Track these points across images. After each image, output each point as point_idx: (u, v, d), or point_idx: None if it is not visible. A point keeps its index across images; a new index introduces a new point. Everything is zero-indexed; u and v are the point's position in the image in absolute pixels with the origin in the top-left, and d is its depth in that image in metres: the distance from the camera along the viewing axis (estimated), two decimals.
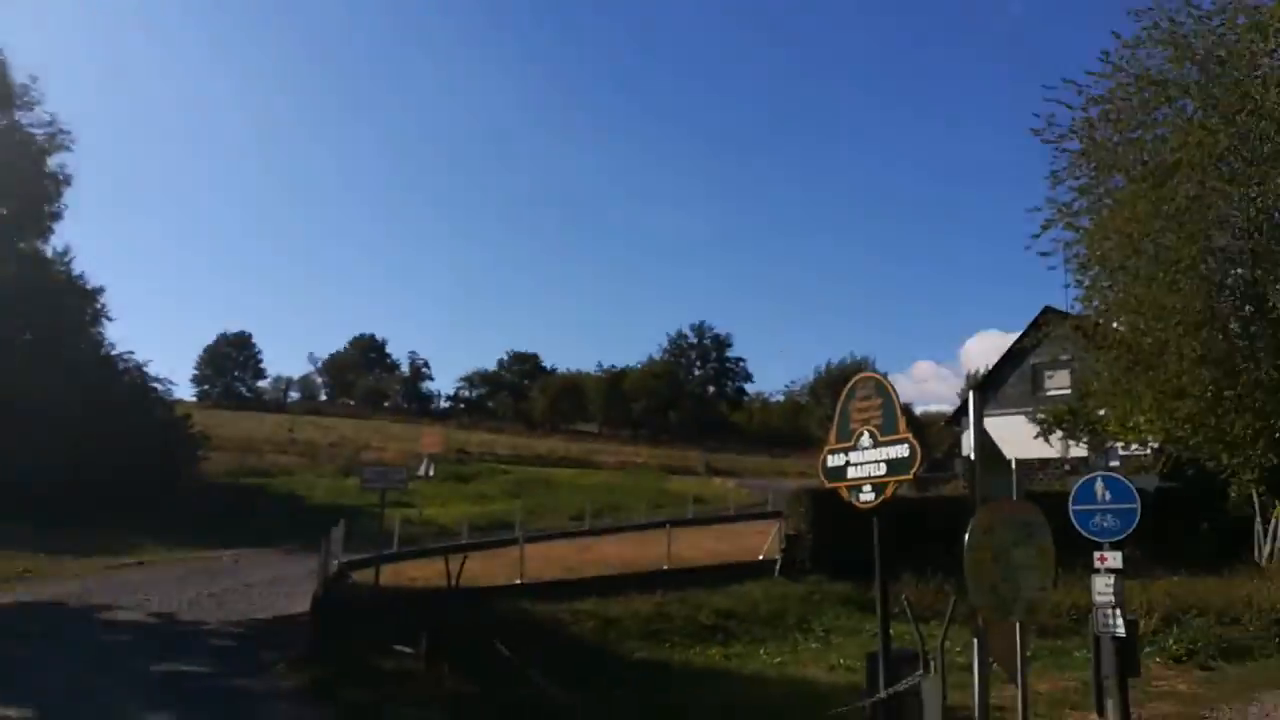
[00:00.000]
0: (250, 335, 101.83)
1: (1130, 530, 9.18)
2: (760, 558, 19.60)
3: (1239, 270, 24.80)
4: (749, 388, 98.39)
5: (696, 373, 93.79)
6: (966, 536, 8.47)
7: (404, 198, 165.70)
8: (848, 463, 7.44)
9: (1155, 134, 25.66)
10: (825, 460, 7.70)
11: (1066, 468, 43.85)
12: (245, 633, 15.05)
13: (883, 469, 7.10)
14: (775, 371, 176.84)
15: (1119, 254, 26.16)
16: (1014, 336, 43.59)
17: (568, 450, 63.81)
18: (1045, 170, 28.83)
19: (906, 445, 6.94)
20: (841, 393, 7.60)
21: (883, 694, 6.92)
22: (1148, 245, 25.70)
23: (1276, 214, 24.07)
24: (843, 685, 11.34)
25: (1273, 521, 25.66)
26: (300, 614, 15.38)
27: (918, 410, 57.31)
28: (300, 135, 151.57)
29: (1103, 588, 9.23)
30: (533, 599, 15.40)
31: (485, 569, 18.22)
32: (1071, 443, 40.21)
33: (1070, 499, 9.76)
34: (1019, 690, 9.21)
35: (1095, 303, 28.19)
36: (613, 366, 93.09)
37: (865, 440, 7.28)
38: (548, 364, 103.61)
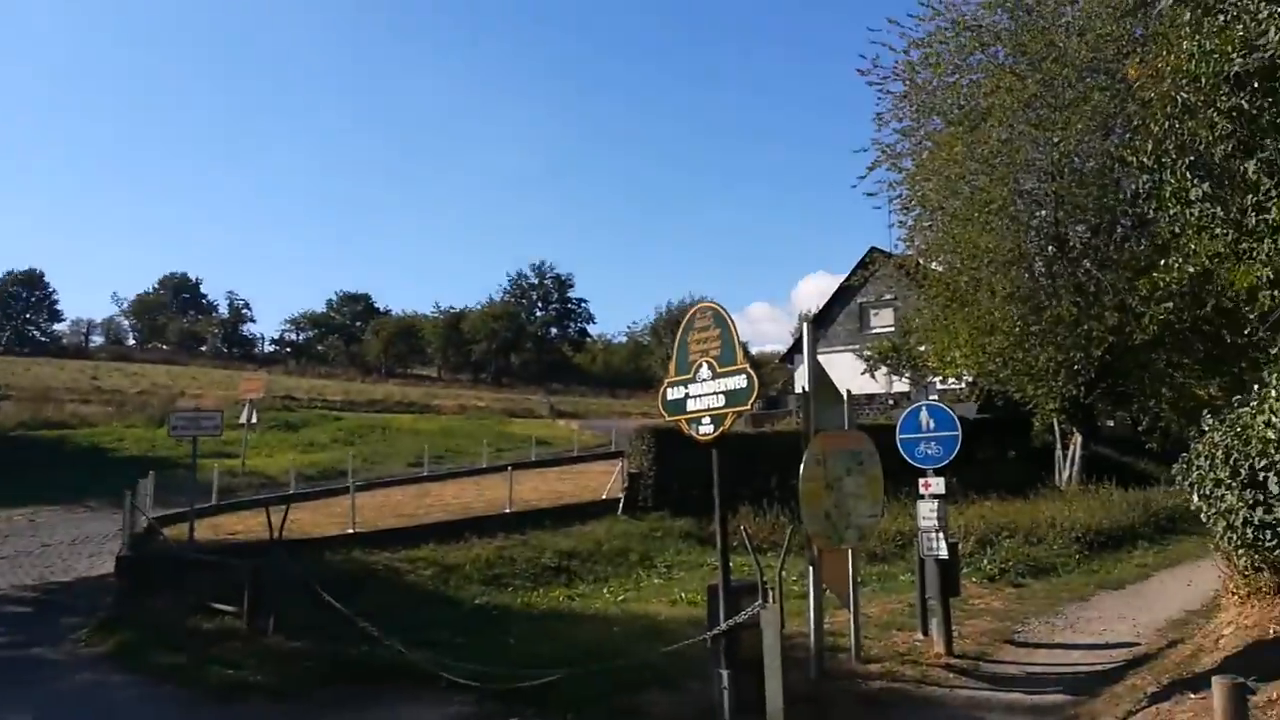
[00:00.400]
0: (42, 273, 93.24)
1: (953, 457, 9.53)
2: (603, 497, 19.59)
3: (1043, 212, 26.43)
4: (592, 329, 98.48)
5: (538, 314, 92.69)
6: (801, 467, 8.58)
7: (217, 119, 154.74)
8: (687, 395, 7.29)
9: (970, 79, 26.81)
10: (665, 393, 7.52)
11: (890, 402, 46.18)
12: (42, 598, 13.72)
13: (721, 401, 6.98)
14: (618, 312, 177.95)
15: (938, 195, 27.39)
16: (842, 277, 45.29)
17: (404, 395, 62.05)
18: (874, 111, 29.68)
19: (744, 376, 6.83)
20: (681, 325, 7.41)
21: (723, 625, 6.88)
22: (963, 187, 27.02)
23: (1077, 159, 25.69)
24: (684, 618, 11.41)
25: (1070, 448, 27.88)
26: (105, 575, 14.17)
27: (753, 350, 58.82)
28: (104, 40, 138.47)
29: (927, 513, 9.57)
30: (366, 548, 14.76)
31: (315, 520, 17.37)
32: (895, 378, 42.38)
33: (897, 428, 10.03)
34: (851, 615, 9.54)
35: (917, 242, 29.49)
36: (451, 308, 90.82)
37: (704, 372, 7.13)
38: (381, 305, 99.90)
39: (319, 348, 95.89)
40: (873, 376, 40.22)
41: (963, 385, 34.67)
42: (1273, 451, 6.17)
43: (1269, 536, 5.99)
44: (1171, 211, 8.74)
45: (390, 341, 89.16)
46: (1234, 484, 6.30)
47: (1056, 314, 24.70)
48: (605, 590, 14.27)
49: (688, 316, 7.33)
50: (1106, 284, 24.01)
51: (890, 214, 29.28)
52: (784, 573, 7.61)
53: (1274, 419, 6.58)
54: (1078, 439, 27.45)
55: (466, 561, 14.72)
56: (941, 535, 9.45)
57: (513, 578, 14.51)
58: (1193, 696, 5.77)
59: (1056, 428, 28.71)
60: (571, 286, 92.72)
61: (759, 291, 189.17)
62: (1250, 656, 5.92)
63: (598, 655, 9.31)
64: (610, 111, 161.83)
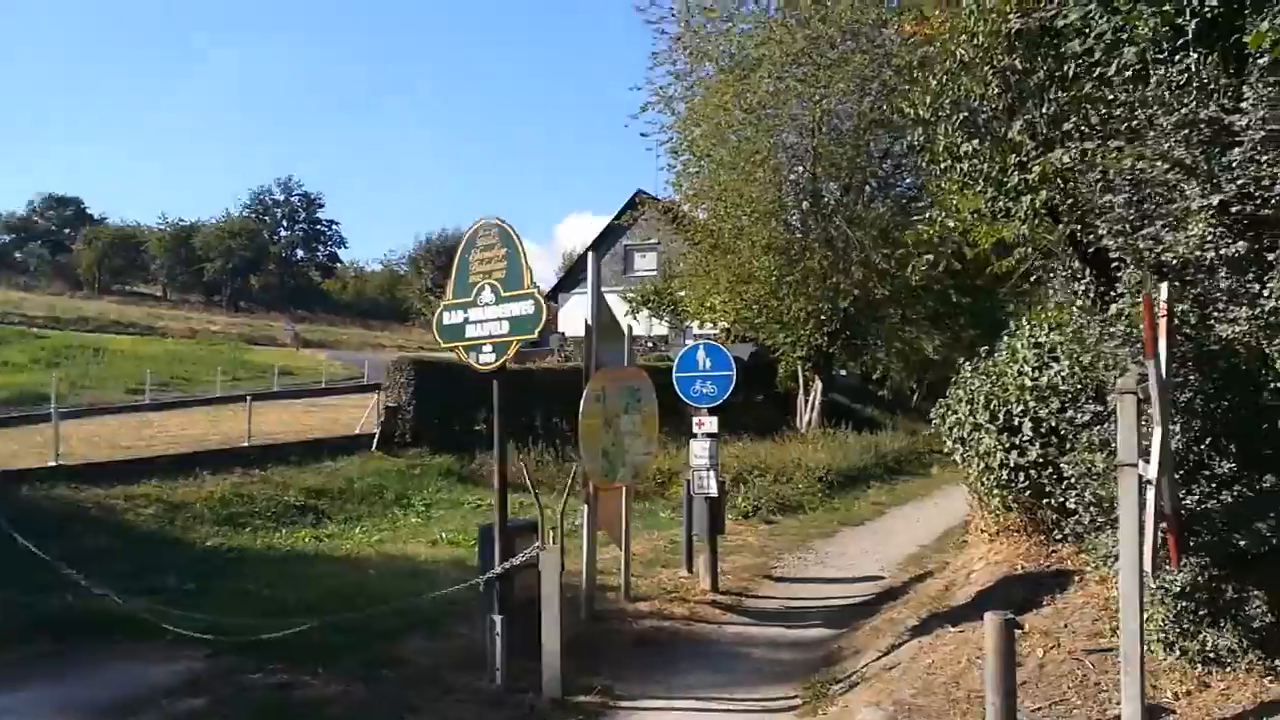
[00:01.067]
0: None
1: (727, 396, 9.52)
2: (356, 432, 18.38)
3: (801, 167, 27.59)
4: (344, 255, 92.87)
5: (283, 234, 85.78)
6: (581, 403, 8.19)
7: None
8: (466, 320, 6.63)
9: (742, 27, 27.26)
10: (440, 317, 6.82)
11: (650, 345, 47.20)
12: None
13: (505, 327, 6.39)
14: (373, 239, 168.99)
15: (706, 141, 27.84)
16: (605, 220, 45.29)
17: (123, 314, 55.72)
18: (649, 51, 29.45)
19: (531, 302, 6.29)
20: (461, 242, 6.70)
21: (499, 568, 6.38)
22: (730, 135, 27.64)
23: (837, 118, 26.93)
24: (447, 559, 10.85)
25: (811, 394, 29.63)
26: None
27: None
28: None
29: (700, 451, 9.54)
30: (74, 484, 12.84)
31: (9, 450, 15.00)
32: (655, 321, 43.34)
33: (674, 366, 9.90)
34: (622, 554, 9.37)
35: (684, 187, 29.89)
36: (180, 220, 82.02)
37: (486, 296, 6.50)
38: (95, 212, 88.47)
39: (17, 255, 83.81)
40: (634, 319, 40.82)
41: (717, 331, 35.92)
42: (1028, 399, 6.49)
43: (1021, 479, 6.33)
44: (942, 165, 9.02)
45: (106, 254, 79.42)
46: (992, 428, 6.60)
47: (809, 267, 25.99)
48: (358, 531, 13.34)
49: (469, 234, 6.64)
50: (855, 240, 25.45)
51: (658, 157, 29.45)
52: (549, 510, 7.16)
53: (1025, 369, 6.94)
54: (818, 386, 29.20)
55: (197, 499, 13.19)
56: (713, 474, 9.46)
57: (252, 518, 13.19)
58: (952, 630, 6.02)
59: (800, 375, 30.34)
60: (321, 206, 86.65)
61: (519, 229, 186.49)
62: (1001, 591, 6.28)
63: (352, 601, 8.56)
64: (365, 26, 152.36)
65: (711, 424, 9.54)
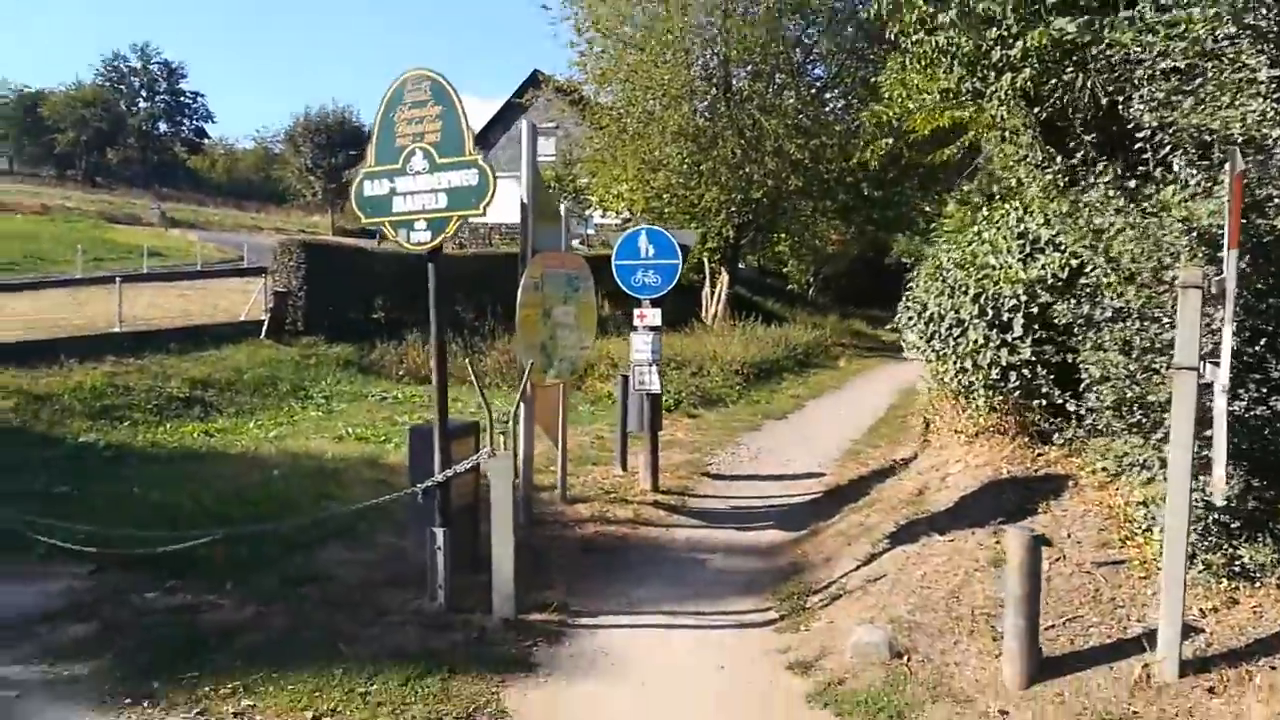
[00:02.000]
0: None
1: (671, 286, 8.78)
2: (242, 318, 16.91)
3: (712, 50, 26.38)
4: (211, 131, 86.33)
5: (142, 105, 78.64)
6: (519, 292, 7.32)
7: None
8: (393, 191, 5.62)
9: None
10: (361, 188, 5.78)
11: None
12: None
13: (442, 200, 5.44)
14: (244, 114, 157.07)
15: (613, 19, 26.28)
16: (498, 102, 42.77)
17: None
18: None
19: (475, 171, 5.33)
20: (383, 98, 5.62)
21: (440, 475, 5.59)
22: (638, 13, 26.15)
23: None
24: (356, 458, 9.94)
25: (718, 287, 29.16)
26: None
27: None
28: None
29: (641, 345, 8.83)
30: None
31: None
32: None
33: (613, 254, 9.06)
34: (560, 453, 8.69)
35: (590, 69, 28.29)
36: (25, 87, 74.25)
37: (418, 162, 5.50)
38: None
39: None
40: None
41: (619, 221, 34.92)
42: (1020, 293, 5.99)
43: (1012, 378, 5.87)
44: (913, 39, 8.27)
45: None
46: (980, 323, 6.10)
47: (722, 155, 25.15)
48: (252, 425, 12.22)
49: (394, 88, 5.56)
50: (769, 130, 24.67)
51: (555, 35, 27.86)
52: (516, 414, 6.36)
53: (1011, 261, 6.43)
54: (725, 278, 28.75)
55: (64, 391, 11.78)
56: (655, 369, 8.78)
57: (130, 410, 11.88)
58: (940, 538, 5.60)
59: (706, 266, 29.76)
60: (184, 77, 79.55)
61: None
62: (988, 497, 5.90)
63: (257, 506, 7.66)
64: None
65: (654, 316, 8.81)
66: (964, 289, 6.50)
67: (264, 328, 16.24)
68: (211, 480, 8.68)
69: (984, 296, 6.14)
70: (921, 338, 7.49)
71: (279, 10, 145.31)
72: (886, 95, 13.55)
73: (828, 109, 27.21)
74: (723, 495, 8.93)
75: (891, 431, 12.64)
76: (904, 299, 7.97)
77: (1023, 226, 6.68)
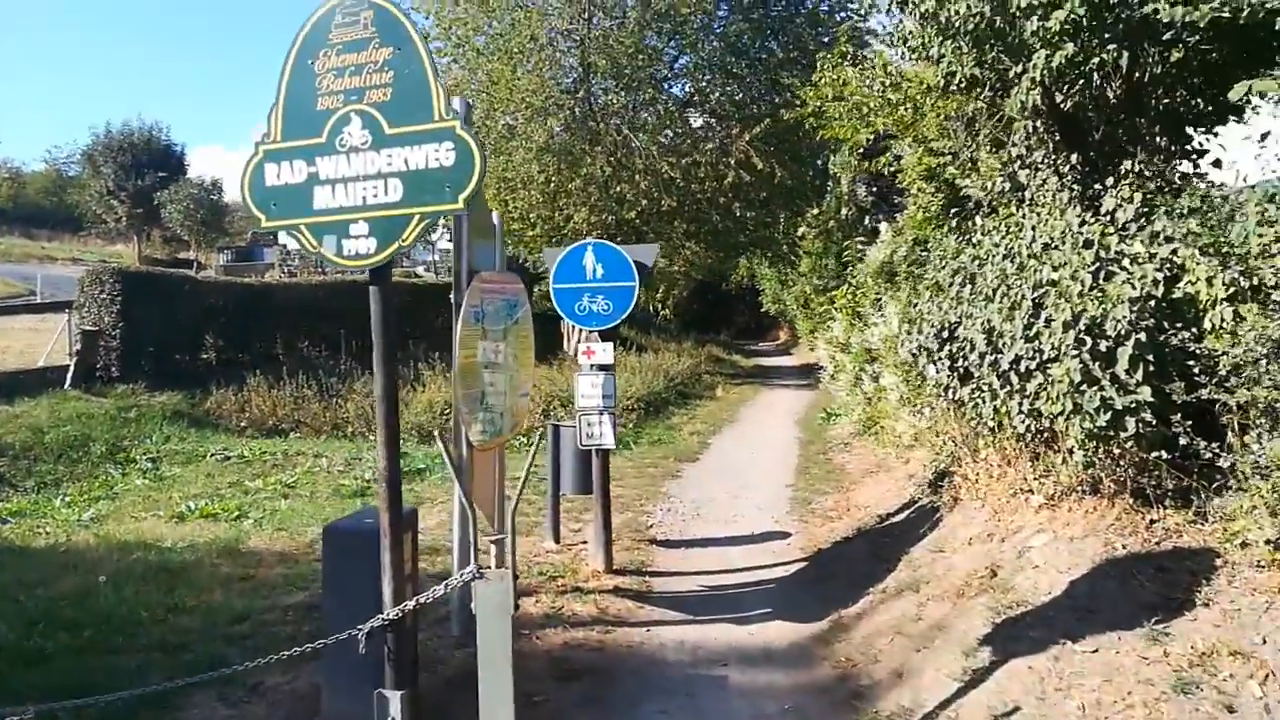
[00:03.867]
0: None
1: (626, 314, 7.11)
2: (40, 364, 13.89)
3: (574, 60, 24.99)
4: None
5: None
6: (457, 324, 5.46)
7: None
8: (314, 178, 3.72)
9: None
10: (257, 174, 3.82)
11: (405, 263, 42.97)
12: None
13: (397, 190, 3.60)
14: (31, 133, 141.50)
15: (468, 24, 24.48)
16: None
17: None
18: None
19: (450, 143, 3.53)
20: (295, 39, 3.72)
21: (394, 610, 3.69)
22: (498, 19, 24.44)
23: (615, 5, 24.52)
24: (208, 544, 7.66)
25: None
26: None
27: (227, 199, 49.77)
28: None
29: (589, 389, 7.09)
30: None
31: None
32: None
33: (551, 274, 7.30)
34: (509, 536, 6.80)
35: (444, 79, 26.29)
36: None
37: (356, 133, 3.64)
38: None
39: None
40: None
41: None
42: (1127, 316, 4.72)
43: (1132, 425, 4.58)
44: (923, 7, 6.98)
45: None
46: (1075, 353, 4.78)
47: (590, 172, 23.70)
48: (59, 502, 9.60)
49: (311, 21, 3.67)
50: (639, 146, 23.46)
51: None
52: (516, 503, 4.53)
53: (1082, 276, 5.18)
54: None
55: None
56: (608, 419, 7.06)
57: None
58: (1076, 647, 4.17)
59: None
60: None
61: (212, 133, 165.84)
62: (1107, 581, 4.51)
63: (79, 633, 5.42)
64: None
65: (605, 352, 7.12)
66: (1033, 306, 5.18)
67: (70, 375, 13.32)
68: (6, 593, 6.27)
69: (1081, 319, 4.82)
70: (931, 362, 6.18)
71: (73, 21, 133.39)
72: (819, 95, 12.47)
73: (696, 125, 26.31)
74: (686, 570, 7.29)
75: (824, 473, 11.41)
76: (908, 320, 6.66)
77: (1083, 235, 5.44)
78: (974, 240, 7.11)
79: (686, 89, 27.16)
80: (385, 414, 3.71)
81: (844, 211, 31.32)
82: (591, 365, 7.12)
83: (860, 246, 17.66)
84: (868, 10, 12.43)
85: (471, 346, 5.48)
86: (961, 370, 5.95)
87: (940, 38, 7.01)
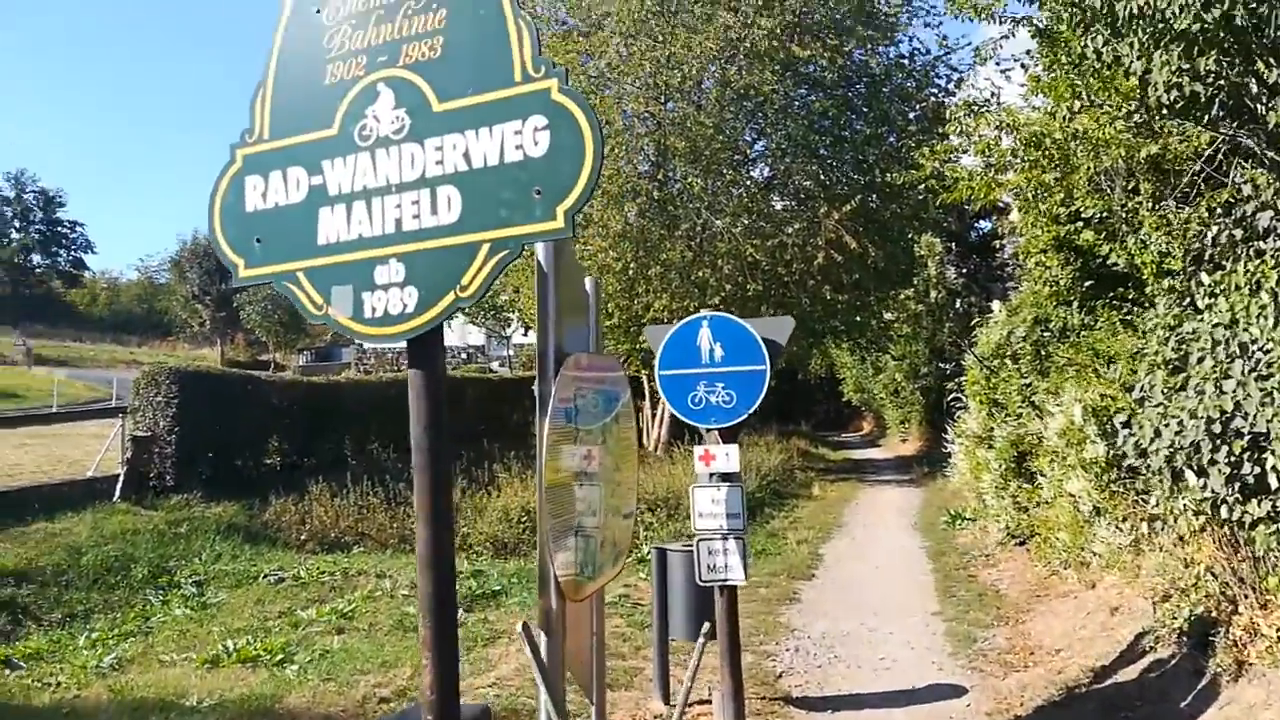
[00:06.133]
0: None
1: (755, 407, 5.52)
2: (90, 474, 12.85)
3: (655, 143, 24.10)
4: (93, 262, 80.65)
5: (15, 236, 72.59)
6: (543, 422, 3.97)
7: None
8: (319, 193, 2.27)
9: None
10: (227, 192, 2.38)
11: (464, 356, 42.33)
12: None
13: (453, 203, 2.10)
14: (127, 243, 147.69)
15: None
16: None
17: None
18: None
19: (544, 116, 2.03)
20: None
21: None
22: None
23: (696, 88, 23.70)
24: (239, 701, 6.15)
25: (659, 406, 26.05)
26: None
27: None
28: None
29: (709, 504, 5.47)
30: None
31: None
32: (471, 327, 38.70)
33: (657, 358, 5.78)
34: (594, 705, 5.16)
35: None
36: None
37: (386, 113, 2.18)
38: None
39: None
40: (448, 326, 36.04)
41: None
42: None
43: None
44: (1134, 16, 5.48)
45: None
46: None
47: (670, 258, 22.54)
48: (84, 640, 8.26)
49: None
50: (723, 230, 22.26)
51: None
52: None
53: None
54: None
55: None
56: (736, 546, 5.42)
57: None
58: None
59: (646, 385, 26.79)
60: (63, 205, 73.98)
61: None
62: None
63: None
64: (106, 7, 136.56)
65: (730, 457, 5.51)
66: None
67: (119, 485, 12.22)
68: None
69: None
70: (1192, 467, 4.42)
71: (161, 132, 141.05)
72: (940, 154, 11.04)
73: (779, 207, 25.07)
74: None
75: (974, 595, 9.44)
76: (1066, 401, 4.95)
77: None
78: (1206, 303, 5.38)
79: (766, 172, 26.09)
80: (432, 547, 2.18)
81: (933, 295, 29.63)
82: (711, 474, 5.50)
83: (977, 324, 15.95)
84: (986, 57, 10.95)
85: (562, 456, 3.96)
86: (1250, 480, 4.19)
87: (1150, 45, 5.46)
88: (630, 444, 5.22)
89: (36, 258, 74.40)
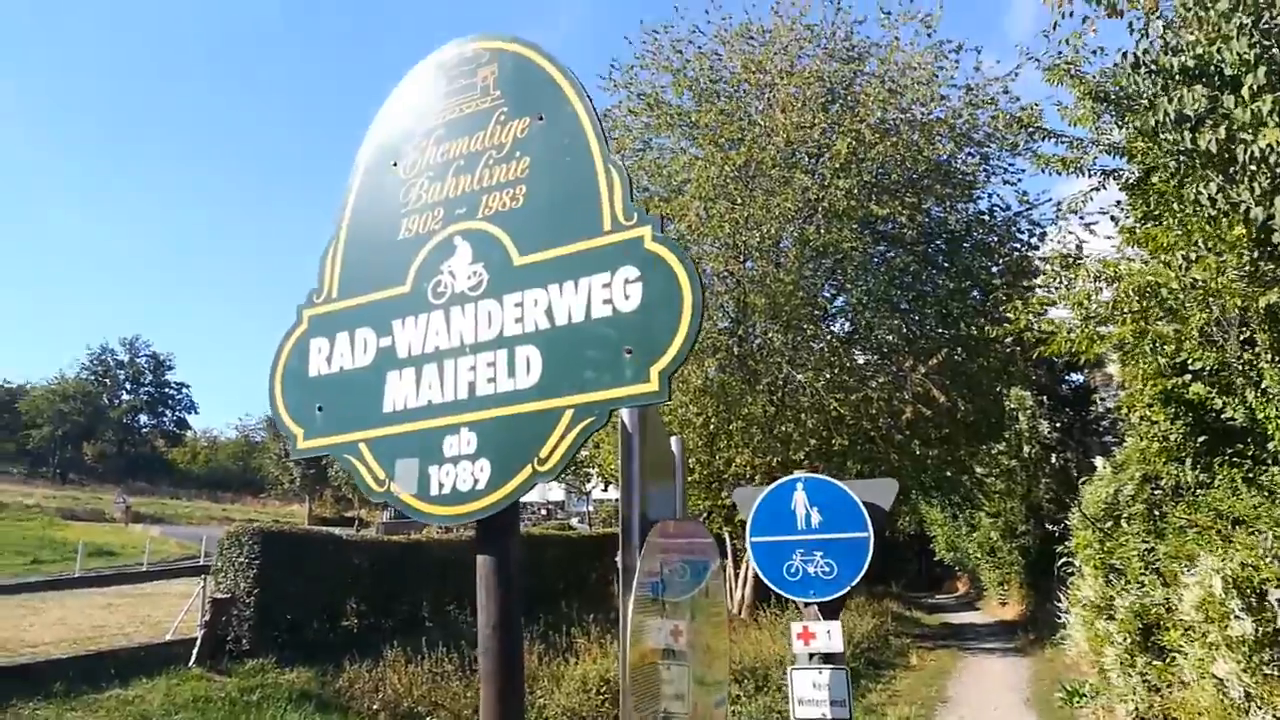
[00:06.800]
0: None
1: (859, 578, 5.05)
2: (168, 638, 12.69)
3: (728, 301, 24.25)
4: (195, 421, 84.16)
5: (125, 398, 76.47)
6: (629, 599, 3.62)
7: None
8: (387, 355, 2.06)
9: (653, 158, 24.66)
10: (290, 357, 2.20)
11: (544, 512, 42.00)
12: None
13: (532, 365, 1.86)
14: (227, 402, 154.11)
15: None
16: None
17: None
18: None
19: (636, 268, 1.81)
20: (369, 134, 2.22)
21: None
22: None
23: (774, 246, 23.95)
24: None
25: (744, 566, 25.13)
26: None
27: None
28: None
29: (809, 690, 4.93)
30: None
31: None
32: (552, 483, 38.55)
33: (748, 524, 5.39)
34: None
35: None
36: (6, 382, 72.25)
37: (463, 270, 1.99)
38: None
39: None
40: None
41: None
42: None
43: None
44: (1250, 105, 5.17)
45: None
46: None
47: (752, 412, 22.18)
48: None
49: (401, 92, 2.19)
50: (805, 384, 21.91)
51: None
52: None
53: None
54: (750, 557, 24.72)
55: None
56: None
57: None
58: None
59: (729, 543, 25.96)
60: (171, 369, 78.03)
61: None
62: None
63: None
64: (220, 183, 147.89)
65: (830, 635, 5.00)
66: None
67: (196, 649, 12.01)
68: None
69: None
70: None
71: (269, 294, 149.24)
72: (1036, 307, 10.68)
73: (860, 362, 24.68)
74: None
75: None
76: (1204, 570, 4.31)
77: None
78: None
79: (847, 327, 25.89)
80: None
81: (1026, 449, 28.47)
82: (811, 654, 4.99)
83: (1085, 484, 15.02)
84: (1074, 209, 10.68)
85: (648, 630, 3.57)
86: None
87: (1273, 191, 5.13)
88: (720, 619, 4.78)
89: (144, 417, 77.94)
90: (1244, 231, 6.58)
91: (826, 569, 5.05)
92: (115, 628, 13.92)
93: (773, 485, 5.43)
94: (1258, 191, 5.30)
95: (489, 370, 1.94)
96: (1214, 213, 5.86)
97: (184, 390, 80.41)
